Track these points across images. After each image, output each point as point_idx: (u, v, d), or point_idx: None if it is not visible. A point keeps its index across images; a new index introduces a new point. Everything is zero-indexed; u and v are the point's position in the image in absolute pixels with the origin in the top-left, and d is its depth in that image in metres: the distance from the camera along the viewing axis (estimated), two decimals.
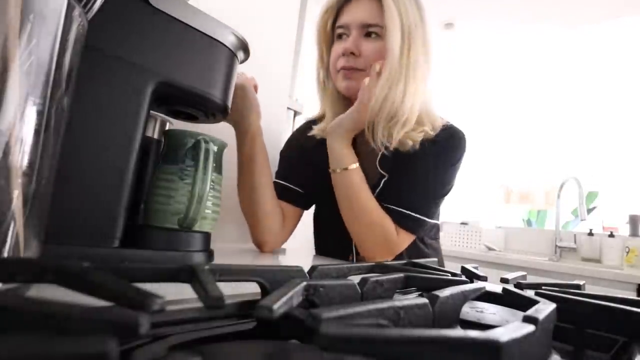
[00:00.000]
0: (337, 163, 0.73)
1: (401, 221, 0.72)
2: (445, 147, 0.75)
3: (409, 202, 0.72)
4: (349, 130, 0.73)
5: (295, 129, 1.09)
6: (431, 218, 0.75)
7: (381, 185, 0.76)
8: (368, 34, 0.73)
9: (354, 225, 0.74)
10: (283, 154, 0.91)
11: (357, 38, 0.73)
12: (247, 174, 0.74)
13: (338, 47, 0.76)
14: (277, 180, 0.83)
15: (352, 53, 0.72)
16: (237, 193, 0.78)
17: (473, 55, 3.30)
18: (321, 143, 0.80)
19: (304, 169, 0.83)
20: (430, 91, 0.76)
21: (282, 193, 0.81)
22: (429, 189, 0.74)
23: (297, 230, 0.87)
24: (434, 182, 0.74)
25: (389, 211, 0.72)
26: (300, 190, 0.83)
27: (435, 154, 0.74)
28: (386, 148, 0.72)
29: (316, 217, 0.94)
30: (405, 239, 0.74)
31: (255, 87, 0.77)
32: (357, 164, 0.72)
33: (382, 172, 0.76)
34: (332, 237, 0.82)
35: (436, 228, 0.89)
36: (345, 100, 0.79)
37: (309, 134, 0.83)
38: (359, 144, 0.79)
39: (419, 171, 0.74)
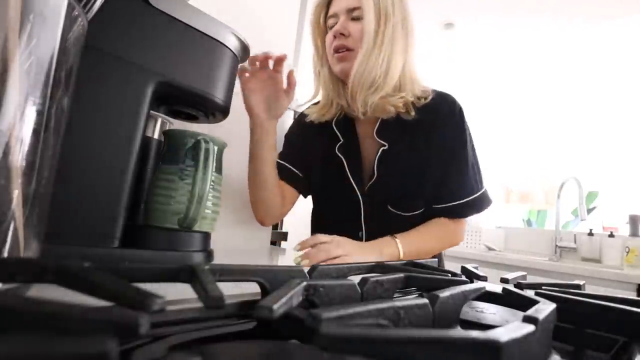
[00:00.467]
0: (396, 256, 0.74)
1: (456, 214, 0.80)
2: (451, 119, 0.80)
3: (453, 191, 0.79)
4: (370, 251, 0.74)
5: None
6: (480, 189, 0.81)
7: (379, 153, 0.80)
8: (353, 18, 0.79)
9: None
10: (287, 136, 0.95)
11: (345, 21, 0.79)
12: (254, 159, 0.80)
13: (330, 33, 0.81)
14: (279, 161, 0.87)
15: (342, 34, 0.78)
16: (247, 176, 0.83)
17: (473, 55, 3.30)
18: (318, 131, 0.86)
19: (304, 154, 0.88)
20: (412, 62, 0.82)
21: (282, 173, 0.86)
22: (465, 166, 0.80)
23: (297, 231, 0.87)
24: (466, 156, 0.80)
25: (441, 211, 0.80)
26: (299, 173, 0.87)
27: (453, 141, 0.80)
28: (364, 114, 0.77)
29: (315, 210, 0.95)
30: (463, 224, 0.83)
31: (291, 83, 0.78)
32: (398, 241, 0.74)
33: (380, 141, 0.80)
34: (335, 226, 0.82)
35: None
36: (337, 83, 0.84)
37: (307, 120, 0.88)
38: (361, 121, 0.85)
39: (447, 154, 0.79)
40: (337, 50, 0.79)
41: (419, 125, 0.78)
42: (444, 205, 0.79)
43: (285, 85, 0.77)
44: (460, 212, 0.80)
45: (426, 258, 0.78)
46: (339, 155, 0.84)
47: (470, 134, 0.82)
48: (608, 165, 2.72)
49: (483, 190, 0.81)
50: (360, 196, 0.82)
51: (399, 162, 0.79)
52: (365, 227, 0.82)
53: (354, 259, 0.65)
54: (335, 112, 0.85)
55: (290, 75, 0.77)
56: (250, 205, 0.85)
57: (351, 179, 0.82)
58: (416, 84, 0.81)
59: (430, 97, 0.80)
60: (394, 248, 0.73)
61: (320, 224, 0.92)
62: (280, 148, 0.90)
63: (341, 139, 0.85)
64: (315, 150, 0.87)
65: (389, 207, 0.80)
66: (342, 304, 0.19)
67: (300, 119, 0.95)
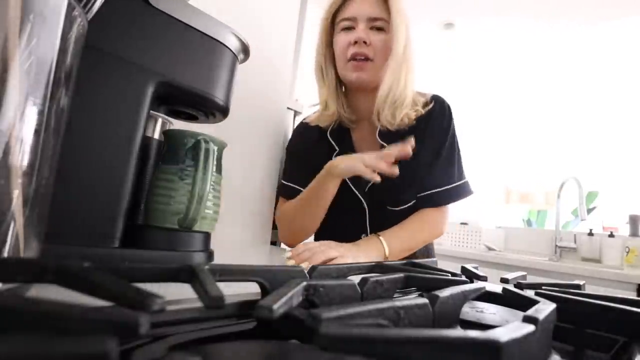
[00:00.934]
0: (383, 255, 0.75)
1: (439, 201, 0.82)
2: (446, 127, 0.85)
3: (436, 180, 0.82)
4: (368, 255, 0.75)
5: (294, 127, 1.12)
6: (462, 179, 0.85)
7: None
8: (374, 28, 0.79)
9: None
10: (289, 151, 0.97)
11: (366, 29, 0.79)
12: (316, 205, 0.82)
13: (346, 37, 0.80)
14: (285, 182, 0.89)
15: (365, 42, 0.78)
16: (297, 213, 0.85)
17: (473, 55, 3.30)
18: (316, 141, 0.88)
19: (306, 169, 0.87)
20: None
21: (292, 195, 0.88)
22: (448, 158, 0.84)
23: None
24: (451, 150, 0.85)
25: (424, 200, 0.82)
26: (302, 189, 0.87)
27: (440, 136, 0.84)
28: (386, 127, 0.81)
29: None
30: (444, 213, 0.85)
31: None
32: (382, 239, 0.75)
33: (382, 143, 0.82)
34: (339, 233, 0.83)
35: None
36: (337, 87, 0.86)
37: (306, 126, 0.90)
38: (357, 129, 0.88)
39: (438, 148, 0.83)
40: (355, 57, 0.79)
41: (416, 128, 0.81)
42: (427, 193, 0.82)
43: None
44: (442, 199, 0.82)
45: (412, 252, 0.81)
46: None
47: (455, 130, 0.86)
48: (608, 165, 2.72)
49: (464, 180, 0.85)
50: (362, 199, 0.84)
51: (398, 163, 0.79)
52: (369, 229, 0.84)
53: (347, 260, 0.64)
54: (331, 118, 0.86)
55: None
56: (285, 230, 0.88)
57: (350, 185, 0.84)
58: (419, 95, 0.86)
59: (431, 105, 0.84)
60: (379, 246, 0.73)
61: (323, 230, 0.92)
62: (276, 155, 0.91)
63: (337, 148, 0.87)
64: (314, 160, 0.87)
65: (389, 206, 0.82)
66: (342, 304, 0.19)
67: (299, 130, 0.96)
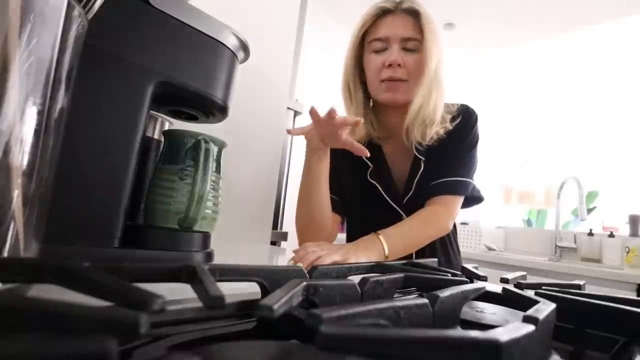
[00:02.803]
0: (383, 254, 0.74)
1: (445, 189, 0.81)
2: (466, 131, 0.86)
3: (446, 170, 0.83)
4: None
5: (293, 127, 1.13)
6: (472, 179, 0.85)
7: (422, 168, 0.84)
8: (406, 48, 0.80)
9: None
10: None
11: (399, 51, 0.79)
12: (314, 190, 0.79)
13: (379, 59, 0.81)
14: None
15: (399, 65, 0.79)
16: (299, 203, 0.83)
17: (473, 55, 3.30)
18: (347, 158, 0.83)
19: (337, 180, 0.88)
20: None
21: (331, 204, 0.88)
22: (463, 155, 0.85)
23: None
24: (470, 152, 0.86)
25: (434, 188, 0.81)
26: (337, 199, 0.88)
27: (459, 138, 0.85)
28: (419, 144, 0.82)
29: (354, 230, 0.95)
30: (450, 208, 0.83)
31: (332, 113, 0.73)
32: (381, 238, 0.73)
33: (419, 156, 0.84)
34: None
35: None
36: (367, 108, 0.87)
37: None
38: (388, 144, 0.89)
39: (450, 152, 0.84)
40: (389, 79, 0.80)
41: (447, 139, 0.83)
42: (439, 181, 0.82)
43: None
44: (448, 187, 0.82)
45: (415, 249, 0.80)
46: (372, 181, 0.86)
47: (476, 138, 0.87)
48: (608, 165, 2.72)
49: (470, 180, 0.85)
50: (401, 211, 0.85)
51: (432, 173, 0.83)
52: None
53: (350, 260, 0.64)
54: (360, 138, 0.86)
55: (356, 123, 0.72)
56: (299, 230, 0.85)
57: (389, 200, 0.86)
58: (447, 111, 0.86)
59: (458, 119, 0.85)
60: (379, 246, 0.72)
61: (354, 233, 0.92)
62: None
63: (370, 165, 0.87)
64: (347, 175, 0.89)
65: None
66: (342, 304, 0.19)
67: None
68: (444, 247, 0.92)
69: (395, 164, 0.88)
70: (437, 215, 0.81)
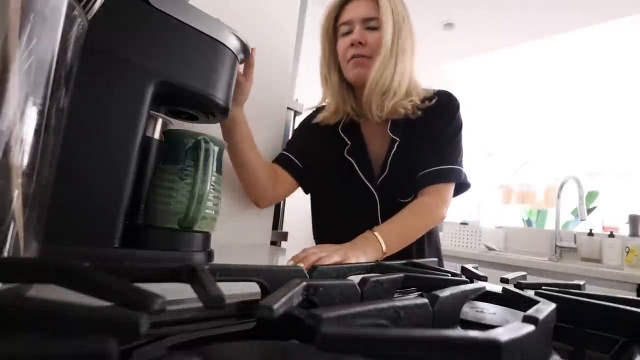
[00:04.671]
0: (381, 251, 0.74)
1: (437, 178, 0.83)
2: (450, 116, 0.88)
3: (435, 158, 0.84)
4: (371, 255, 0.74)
5: (294, 127, 1.15)
6: (461, 166, 0.86)
7: (395, 148, 0.85)
8: (368, 28, 0.85)
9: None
10: (295, 131, 1.03)
11: (361, 30, 0.84)
12: (230, 149, 0.83)
13: (345, 41, 0.86)
14: (283, 152, 0.95)
15: (360, 43, 0.84)
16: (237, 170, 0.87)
17: (473, 55, 3.30)
18: (325, 134, 0.92)
19: (307, 149, 0.94)
20: (414, 70, 0.89)
21: (282, 160, 0.93)
22: (450, 142, 0.86)
23: (296, 232, 0.88)
24: (456, 139, 0.88)
25: (424, 177, 0.83)
26: (299, 163, 0.92)
27: (443, 124, 0.87)
28: (379, 117, 0.85)
29: (315, 210, 0.98)
30: (442, 196, 0.84)
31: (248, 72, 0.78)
32: (377, 234, 0.73)
33: (394, 137, 0.86)
34: (351, 226, 0.82)
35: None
36: (344, 89, 0.91)
37: (313, 122, 0.95)
38: (366, 124, 0.91)
39: (436, 135, 0.86)
40: (354, 57, 0.84)
41: (425, 122, 0.85)
42: (428, 170, 0.83)
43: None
44: (440, 176, 0.83)
45: (412, 241, 0.81)
46: (349, 158, 0.89)
47: (460, 123, 0.89)
48: (608, 165, 2.72)
49: (459, 167, 0.86)
50: (374, 191, 0.87)
51: (408, 155, 0.85)
52: (381, 220, 0.85)
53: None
54: (341, 117, 0.91)
55: (250, 56, 0.73)
56: (247, 197, 0.90)
57: (363, 178, 0.87)
58: (418, 87, 0.89)
59: (434, 100, 0.87)
60: (376, 243, 0.72)
61: (335, 224, 0.93)
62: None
63: (348, 142, 0.90)
64: (322, 151, 0.93)
65: (399, 198, 0.85)
66: (342, 304, 0.19)
67: (309, 118, 1.01)
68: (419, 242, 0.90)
69: (372, 144, 0.90)
70: (429, 206, 0.82)
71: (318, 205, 0.98)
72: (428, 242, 0.93)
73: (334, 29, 0.91)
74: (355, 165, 0.88)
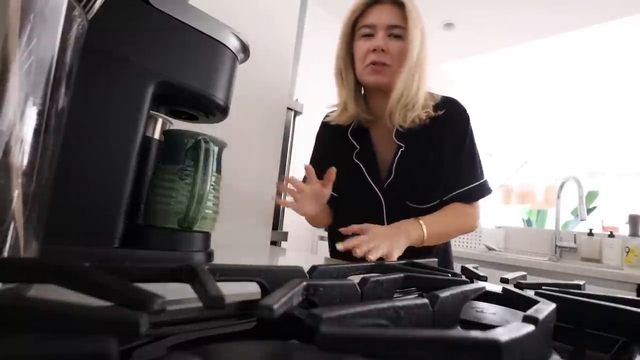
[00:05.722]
0: (422, 239, 0.83)
1: (469, 198, 0.88)
2: (464, 128, 0.90)
3: (465, 178, 0.88)
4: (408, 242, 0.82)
5: (294, 127, 1.16)
6: (483, 177, 0.91)
7: (399, 154, 0.88)
8: (392, 35, 0.85)
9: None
10: (317, 141, 1.05)
11: (384, 37, 0.85)
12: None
13: (365, 44, 0.86)
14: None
15: (382, 50, 0.84)
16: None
17: (473, 55, 3.30)
18: (336, 139, 0.95)
19: (326, 164, 0.96)
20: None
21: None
22: (472, 158, 0.90)
23: (296, 232, 0.88)
24: (472, 151, 0.92)
25: (455, 198, 0.87)
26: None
27: (459, 138, 0.89)
28: (401, 127, 0.87)
29: (336, 210, 1.02)
30: (476, 209, 0.92)
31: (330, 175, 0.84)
32: (424, 227, 0.82)
33: (399, 143, 0.88)
34: (341, 225, 0.88)
35: None
36: (357, 90, 0.92)
37: (326, 123, 0.98)
38: (375, 128, 0.93)
39: (458, 149, 0.89)
40: (373, 63, 0.85)
41: (432, 129, 0.87)
42: (457, 192, 0.87)
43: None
44: (472, 195, 0.88)
45: (447, 239, 0.90)
46: (357, 161, 0.91)
47: (472, 131, 0.92)
48: (608, 165, 2.72)
49: (485, 179, 0.91)
50: (380, 195, 0.89)
51: (414, 161, 0.87)
52: (386, 222, 0.89)
53: (394, 253, 0.74)
54: (351, 118, 0.92)
55: (329, 172, 0.81)
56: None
57: (370, 181, 0.90)
58: (430, 97, 0.91)
59: (443, 109, 0.88)
60: (419, 230, 0.80)
61: (340, 219, 0.96)
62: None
63: (357, 146, 0.92)
64: (334, 155, 0.95)
65: (407, 202, 0.87)
66: (342, 304, 0.19)
67: (324, 126, 1.03)
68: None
69: (380, 148, 0.92)
70: (468, 214, 0.89)
71: (334, 207, 1.03)
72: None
73: (352, 28, 0.91)
74: (363, 169, 0.90)
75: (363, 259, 0.71)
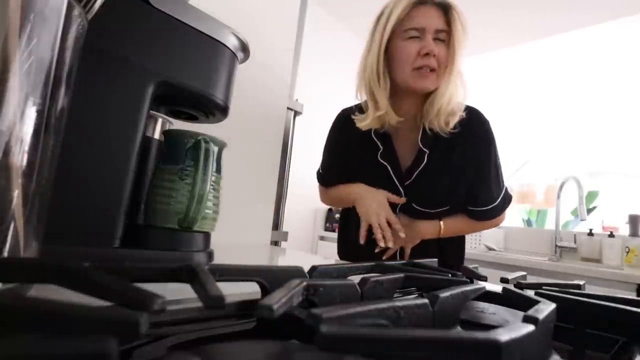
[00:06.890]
0: (437, 229, 0.92)
1: (495, 213, 0.96)
2: (489, 142, 0.93)
3: (492, 194, 0.93)
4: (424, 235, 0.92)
5: (294, 127, 1.15)
6: (503, 188, 0.96)
7: (425, 159, 0.89)
8: (438, 39, 0.84)
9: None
10: (330, 144, 1.05)
11: (432, 41, 0.84)
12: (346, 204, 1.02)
13: (414, 46, 0.84)
14: (324, 174, 1.05)
15: (433, 55, 0.83)
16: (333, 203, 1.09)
17: (473, 55, 3.30)
18: (358, 139, 0.94)
19: (345, 164, 1.00)
20: None
21: (331, 185, 1.03)
22: (494, 174, 0.94)
23: (297, 231, 0.88)
24: (496, 163, 0.95)
25: (480, 213, 0.94)
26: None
27: (485, 153, 0.92)
28: (441, 131, 0.87)
29: (346, 214, 1.06)
30: (500, 219, 1.00)
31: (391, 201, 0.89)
32: (442, 223, 0.91)
33: (423, 148, 0.89)
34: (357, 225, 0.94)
35: None
36: (399, 93, 0.89)
37: (351, 125, 0.95)
38: (401, 129, 0.92)
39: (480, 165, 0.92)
40: (422, 67, 0.83)
41: (454, 138, 0.87)
42: (484, 209, 0.93)
43: None
44: (499, 211, 0.95)
45: (464, 234, 1.00)
46: (382, 161, 0.92)
47: (495, 143, 0.94)
48: (608, 165, 2.72)
49: (504, 189, 0.96)
50: (403, 192, 0.93)
51: (434, 167, 0.89)
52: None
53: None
54: (384, 121, 0.90)
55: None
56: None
57: (395, 181, 0.92)
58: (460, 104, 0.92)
59: (465, 115, 0.89)
60: (436, 224, 0.90)
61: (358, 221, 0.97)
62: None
63: (381, 147, 0.92)
64: (357, 155, 0.97)
65: (417, 205, 0.90)
66: (342, 304, 0.19)
67: (341, 125, 1.01)
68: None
69: (401, 150, 0.93)
70: (488, 225, 0.99)
71: (344, 214, 1.07)
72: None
73: (392, 29, 0.87)
74: (390, 169, 0.92)
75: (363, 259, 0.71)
